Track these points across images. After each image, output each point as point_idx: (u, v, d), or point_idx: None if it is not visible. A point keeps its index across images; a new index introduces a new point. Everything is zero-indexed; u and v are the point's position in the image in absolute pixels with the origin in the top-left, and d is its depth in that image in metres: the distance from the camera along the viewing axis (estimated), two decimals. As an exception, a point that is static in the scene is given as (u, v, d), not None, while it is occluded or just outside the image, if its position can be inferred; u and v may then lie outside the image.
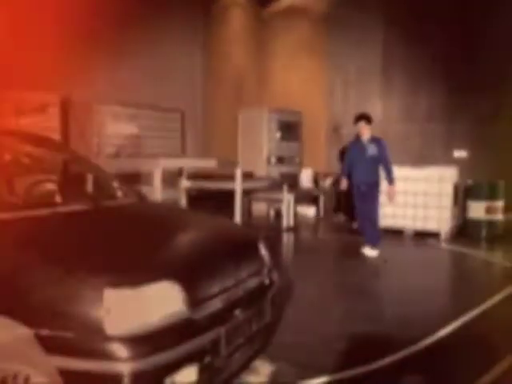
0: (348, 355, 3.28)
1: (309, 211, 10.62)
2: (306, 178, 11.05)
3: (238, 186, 6.75)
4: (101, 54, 10.11)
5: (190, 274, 2.21)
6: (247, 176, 9.14)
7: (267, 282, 2.86)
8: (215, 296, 2.30)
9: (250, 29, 12.77)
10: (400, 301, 4.66)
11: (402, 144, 10.45)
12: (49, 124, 8.00)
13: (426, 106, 10.69)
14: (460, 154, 10.07)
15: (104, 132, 9.36)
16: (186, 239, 2.51)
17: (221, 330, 2.20)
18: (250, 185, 7.33)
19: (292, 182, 10.66)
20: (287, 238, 8.01)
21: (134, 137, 9.82)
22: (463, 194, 8.43)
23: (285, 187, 8.58)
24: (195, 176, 8.30)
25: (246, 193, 8.74)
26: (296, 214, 10.56)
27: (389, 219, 8.06)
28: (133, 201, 3.19)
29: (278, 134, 10.51)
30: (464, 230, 8.16)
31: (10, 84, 7.64)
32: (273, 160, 10.41)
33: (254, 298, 2.63)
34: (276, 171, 10.33)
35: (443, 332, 3.74)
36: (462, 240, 7.72)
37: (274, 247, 7.30)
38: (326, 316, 4.18)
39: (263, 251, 2.97)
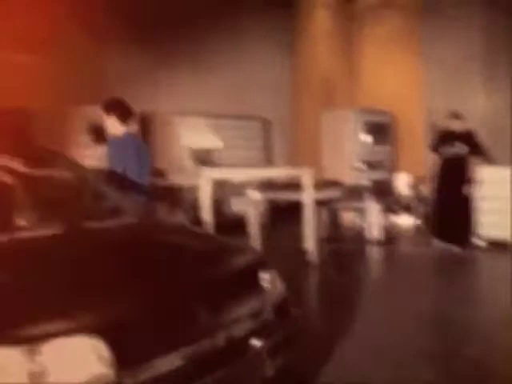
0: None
1: (405, 221, 9.65)
2: (401, 185, 10.10)
3: (306, 196, 6.15)
4: (183, 65, 10.09)
5: (126, 324, 1.72)
6: (331, 184, 8.50)
7: (269, 324, 2.28)
8: (169, 351, 1.78)
9: (337, 28, 12.11)
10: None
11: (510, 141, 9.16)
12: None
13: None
14: None
15: (184, 144, 9.25)
16: (142, 276, 2.02)
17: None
18: (323, 194, 6.68)
19: (384, 189, 9.79)
20: (369, 252, 7.23)
21: (215, 148, 9.61)
22: None
23: (369, 195, 7.80)
24: (270, 186, 7.84)
25: (326, 203, 8.08)
26: (390, 225, 9.68)
27: (490, 229, 6.96)
28: (130, 221, 2.77)
29: (366, 137, 9.70)
30: None
31: (83, 99, 7.74)
32: (360, 165, 9.62)
33: (240, 349, 2.07)
34: (365, 178, 9.52)
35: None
36: None
37: (349, 264, 6.64)
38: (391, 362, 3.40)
39: (267, 281, 2.38)
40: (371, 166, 9.84)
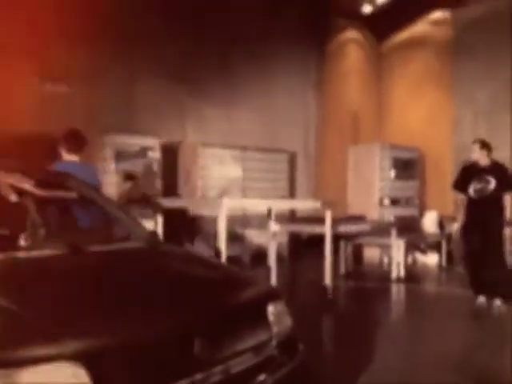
0: None
1: (430, 259, 9.36)
2: (429, 222, 9.84)
3: (327, 229, 6.01)
4: (212, 97, 10.20)
5: (114, 352, 1.62)
6: (356, 219, 8.34)
7: (273, 360, 2.15)
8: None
9: (366, 64, 12.17)
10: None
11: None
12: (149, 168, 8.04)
13: None
14: None
15: (208, 174, 9.25)
16: (138, 303, 1.92)
17: None
18: (344, 229, 6.52)
19: (410, 225, 9.55)
20: (390, 291, 6.99)
21: (239, 179, 9.58)
22: None
23: (393, 232, 7.60)
24: (294, 219, 7.73)
25: (350, 238, 7.92)
26: (415, 263, 9.42)
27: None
28: (137, 245, 2.70)
29: (393, 173, 9.54)
30: None
31: (110, 128, 7.85)
32: (386, 201, 9.43)
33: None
34: (390, 213, 9.32)
35: None
36: None
37: (368, 301, 6.41)
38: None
39: (274, 314, 2.26)
40: (397, 202, 9.64)
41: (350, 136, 11.56)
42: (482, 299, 5.83)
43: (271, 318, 2.23)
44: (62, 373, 1.50)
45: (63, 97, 8.14)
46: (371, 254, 9.56)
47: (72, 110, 7.69)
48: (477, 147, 5.94)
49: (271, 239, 6.63)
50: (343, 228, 6.47)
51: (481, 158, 5.91)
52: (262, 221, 7.42)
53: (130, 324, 1.75)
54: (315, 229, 6.59)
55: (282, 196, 10.01)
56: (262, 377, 2.06)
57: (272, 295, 2.38)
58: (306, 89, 11.96)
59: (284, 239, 9.25)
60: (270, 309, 2.25)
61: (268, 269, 6.53)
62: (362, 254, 9.74)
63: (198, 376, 1.80)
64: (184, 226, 9.19)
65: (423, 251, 9.65)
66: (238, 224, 9.14)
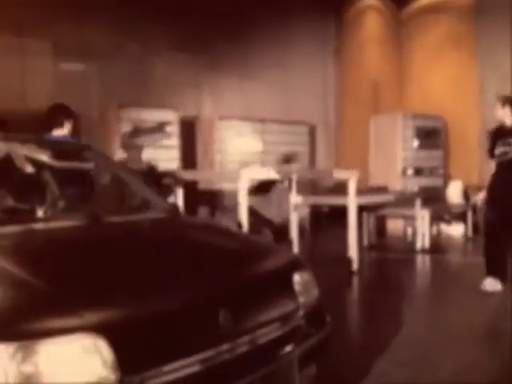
0: None
1: (455, 230, 9.17)
2: (454, 193, 9.61)
3: (350, 201, 5.87)
4: (228, 71, 10.02)
5: (137, 325, 1.54)
6: (378, 190, 8.18)
7: (300, 330, 2.06)
8: (183, 356, 1.59)
9: (385, 32, 11.81)
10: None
11: None
12: (168, 143, 7.95)
13: None
14: None
15: (226, 148, 9.14)
16: (161, 274, 1.83)
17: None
18: (368, 200, 6.37)
19: (434, 196, 9.35)
20: (415, 262, 6.86)
21: (258, 152, 9.46)
22: None
23: (418, 202, 7.43)
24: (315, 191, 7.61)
25: (373, 210, 7.77)
26: (439, 233, 9.24)
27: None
28: (157, 216, 2.62)
29: (416, 143, 9.30)
30: None
31: (128, 102, 7.76)
32: (409, 172, 9.22)
33: (266, 357, 1.86)
34: (414, 184, 9.12)
35: None
36: None
37: (393, 272, 6.29)
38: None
39: (300, 284, 2.16)
40: (421, 172, 9.42)
41: (370, 106, 11.29)
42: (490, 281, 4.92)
43: (297, 287, 2.13)
44: (82, 344, 1.42)
45: (78, 73, 8.07)
46: (395, 225, 9.39)
47: (87, 86, 7.63)
48: (499, 105, 5.25)
49: (292, 211, 6.53)
50: (366, 199, 6.31)
51: (504, 117, 5.18)
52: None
53: (153, 295, 1.67)
54: (338, 200, 6.46)
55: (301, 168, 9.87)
56: (289, 347, 1.97)
57: (297, 264, 2.27)
58: (324, 58, 11.69)
59: (305, 212, 9.14)
60: (296, 278, 2.15)
61: (290, 242, 6.45)
62: (385, 225, 9.60)
63: (224, 347, 1.72)
64: (203, 199, 9.14)
65: (448, 222, 9.45)
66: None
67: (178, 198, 5.60)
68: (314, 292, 2.23)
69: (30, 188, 2.53)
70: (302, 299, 2.13)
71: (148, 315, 1.57)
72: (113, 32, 8.15)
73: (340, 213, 6.46)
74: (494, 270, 5.01)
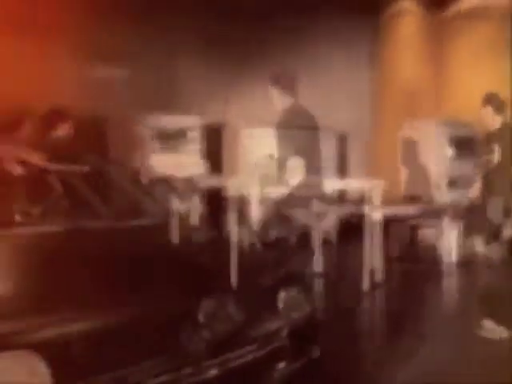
0: None
1: (489, 249, 8.70)
2: (493, 207, 9.15)
3: (374, 211, 5.62)
4: (255, 78, 9.89)
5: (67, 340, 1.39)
6: (409, 200, 7.89)
7: (281, 352, 1.86)
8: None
9: (423, 36, 11.44)
10: None
11: None
12: (191, 148, 7.89)
13: None
14: None
15: (251, 155, 8.98)
16: (117, 290, 1.67)
17: None
18: (393, 211, 6.08)
19: (469, 208, 8.93)
20: (440, 275, 6.51)
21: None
22: None
23: (445, 216, 7.08)
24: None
25: (403, 220, 7.48)
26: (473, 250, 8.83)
27: None
28: (148, 222, 2.47)
29: (450, 151, 8.90)
30: None
31: (150, 108, 7.73)
32: (443, 182, 8.83)
33: (243, 381, 1.68)
34: (449, 195, 8.71)
35: None
36: None
37: (416, 285, 5.96)
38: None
39: (286, 301, 1.96)
40: (456, 183, 9.00)
41: (406, 112, 10.95)
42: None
43: (282, 305, 1.93)
44: (20, 362, 1.28)
45: (104, 77, 8.11)
46: (427, 236, 9.03)
47: (113, 90, 7.63)
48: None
49: (315, 220, 6.30)
50: (389, 210, 6.04)
51: (486, 117, 4.48)
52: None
53: (98, 311, 1.52)
54: (362, 210, 6.21)
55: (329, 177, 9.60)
56: (268, 370, 1.78)
57: (286, 281, 2.07)
58: (358, 64, 11.41)
59: (331, 222, 8.89)
60: (282, 295, 1.95)
61: (312, 252, 6.24)
62: (417, 236, 9.23)
63: (187, 370, 1.55)
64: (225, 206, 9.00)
65: (486, 240, 9.01)
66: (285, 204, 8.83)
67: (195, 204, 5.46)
68: (304, 310, 2.03)
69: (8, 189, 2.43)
70: (287, 317, 1.93)
71: (88, 332, 1.41)
72: (139, 36, 8.15)
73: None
74: None
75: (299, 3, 10.21)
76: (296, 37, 10.18)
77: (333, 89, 10.77)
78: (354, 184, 6.79)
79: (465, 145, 9.08)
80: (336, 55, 10.88)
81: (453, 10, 11.16)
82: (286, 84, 3.78)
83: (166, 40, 8.56)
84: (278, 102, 3.82)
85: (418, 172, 9.06)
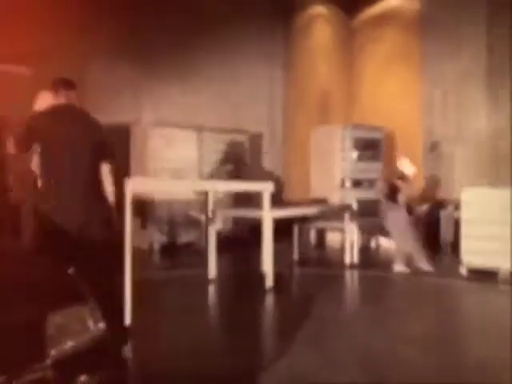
0: None
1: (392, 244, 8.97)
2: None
3: (265, 214, 5.58)
4: (170, 77, 9.71)
5: None
6: (313, 202, 7.95)
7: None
8: None
9: (335, 41, 11.64)
10: None
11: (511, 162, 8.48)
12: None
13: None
14: None
15: (160, 156, 8.78)
16: None
17: None
18: (282, 213, 6.06)
19: (371, 209, 9.17)
20: (338, 277, 6.58)
21: (194, 161, 9.13)
22: None
23: (346, 216, 7.19)
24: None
25: (301, 222, 7.52)
26: (378, 247, 9.07)
27: (476, 256, 6.28)
28: None
29: (354, 154, 9.09)
30: None
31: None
32: (347, 184, 9.00)
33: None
34: (351, 196, 8.87)
35: None
36: None
37: (311, 288, 5.99)
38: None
39: (56, 326, 1.76)
40: (360, 184, 9.21)
41: (318, 116, 11.10)
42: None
43: (50, 331, 1.73)
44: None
45: (13, 77, 7.69)
46: (333, 238, 9.18)
47: (22, 90, 7.20)
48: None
49: (210, 225, 6.20)
50: (281, 213, 6.03)
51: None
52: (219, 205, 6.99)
53: None
54: (253, 213, 6.16)
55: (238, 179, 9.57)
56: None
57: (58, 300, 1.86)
58: (272, 67, 11.45)
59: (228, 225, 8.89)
60: (50, 320, 1.75)
61: (203, 256, 6.14)
62: (324, 239, 9.38)
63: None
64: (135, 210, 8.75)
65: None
66: (195, 208, 8.72)
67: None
68: (86, 333, 1.85)
69: None
70: (54, 345, 1.73)
71: None
72: (50, 35, 7.84)
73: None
74: None
75: (216, 10, 10.16)
76: (211, 41, 10.09)
77: (246, 92, 10.76)
78: (244, 186, 6.72)
79: (369, 148, 9.30)
80: (250, 59, 10.88)
81: (364, 15, 11.41)
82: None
83: (76, 39, 8.25)
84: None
85: (325, 174, 9.20)
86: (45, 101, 3.45)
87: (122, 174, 8.39)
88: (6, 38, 7.34)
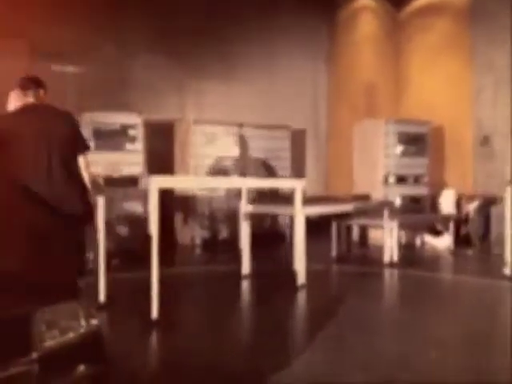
0: None
1: (440, 242, 8.69)
2: (446, 202, 9.13)
3: (298, 210, 5.53)
4: (209, 72, 9.81)
5: None
6: (358, 198, 7.82)
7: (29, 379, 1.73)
8: None
9: (381, 33, 11.36)
10: None
11: None
12: (131, 146, 7.77)
13: None
14: None
15: (201, 153, 8.90)
16: None
17: None
18: (316, 210, 5.98)
19: (417, 205, 8.92)
20: (375, 276, 6.43)
21: (237, 157, 9.20)
22: None
23: (385, 213, 7.02)
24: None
25: (339, 219, 7.41)
26: (423, 245, 8.81)
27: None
28: None
29: (399, 149, 8.86)
30: None
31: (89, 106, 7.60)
32: (391, 180, 8.79)
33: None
34: (396, 192, 8.67)
35: None
36: None
37: (344, 287, 5.90)
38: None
39: (43, 321, 1.83)
40: (404, 180, 8.96)
41: (364, 110, 10.88)
42: None
43: (38, 326, 1.79)
44: None
45: (55, 75, 7.99)
46: (376, 235, 8.98)
47: (64, 88, 7.49)
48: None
49: (243, 221, 6.23)
50: (314, 210, 5.96)
51: None
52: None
53: None
54: (286, 210, 6.12)
55: (284, 175, 9.54)
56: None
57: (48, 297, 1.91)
58: (315, 61, 11.33)
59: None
60: (38, 315, 1.81)
61: (240, 251, 6.16)
62: (366, 237, 9.20)
63: None
64: (177, 205, 8.92)
65: (437, 233, 8.98)
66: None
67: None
68: (73, 329, 1.89)
69: None
70: (41, 339, 1.78)
71: None
72: (91, 32, 8.12)
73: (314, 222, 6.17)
74: None
75: (257, 4, 10.17)
76: (254, 36, 10.12)
77: (289, 87, 10.70)
78: (276, 183, 6.68)
79: (414, 142, 9.04)
80: (293, 53, 10.81)
81: (412, 6, 11.08)
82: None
83: (117, 38, 8.50)
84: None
85: (368, 170, 9.02)
86: (16, 101, 3.45)
87: (166, 169, 8.67)
88: (49, 38, 7.64)
